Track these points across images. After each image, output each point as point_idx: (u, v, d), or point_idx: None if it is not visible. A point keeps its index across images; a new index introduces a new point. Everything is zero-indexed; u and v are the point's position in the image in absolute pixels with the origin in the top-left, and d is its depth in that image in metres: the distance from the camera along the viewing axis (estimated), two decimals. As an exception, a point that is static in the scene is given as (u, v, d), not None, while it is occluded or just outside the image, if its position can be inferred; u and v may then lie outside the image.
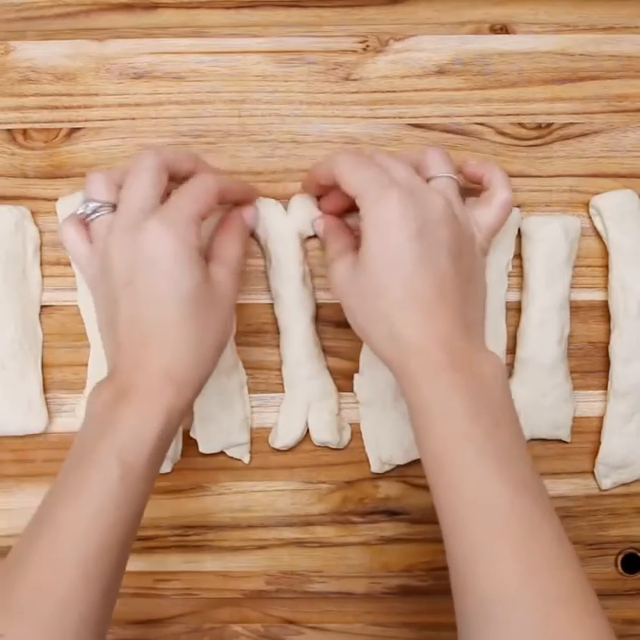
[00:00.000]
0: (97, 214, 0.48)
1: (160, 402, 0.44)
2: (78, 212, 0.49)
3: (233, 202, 0.55)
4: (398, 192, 0.46)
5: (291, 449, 0.58)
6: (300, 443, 0.58)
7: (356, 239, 0.49)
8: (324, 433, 0.57)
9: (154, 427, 0.44)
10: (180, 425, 0.47)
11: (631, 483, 0.58)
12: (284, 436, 0.57)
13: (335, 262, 0.49)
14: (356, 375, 0.58)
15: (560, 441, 0.58)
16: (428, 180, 0.49)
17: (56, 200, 0.58)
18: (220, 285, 0.48)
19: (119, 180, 0.49)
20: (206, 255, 0.50)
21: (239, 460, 0.58)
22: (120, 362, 0.46)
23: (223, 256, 0.50)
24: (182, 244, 0.45)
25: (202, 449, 0.57)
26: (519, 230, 0.57)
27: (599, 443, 0.57)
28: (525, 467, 0.44)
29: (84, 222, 0.49)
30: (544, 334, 0.56)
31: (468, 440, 0.43)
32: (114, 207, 0.48)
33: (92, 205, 0.48)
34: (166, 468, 0.57)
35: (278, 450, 0.58)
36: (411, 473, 0.58)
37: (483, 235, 0.50)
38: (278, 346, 0.58)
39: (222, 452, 0.58)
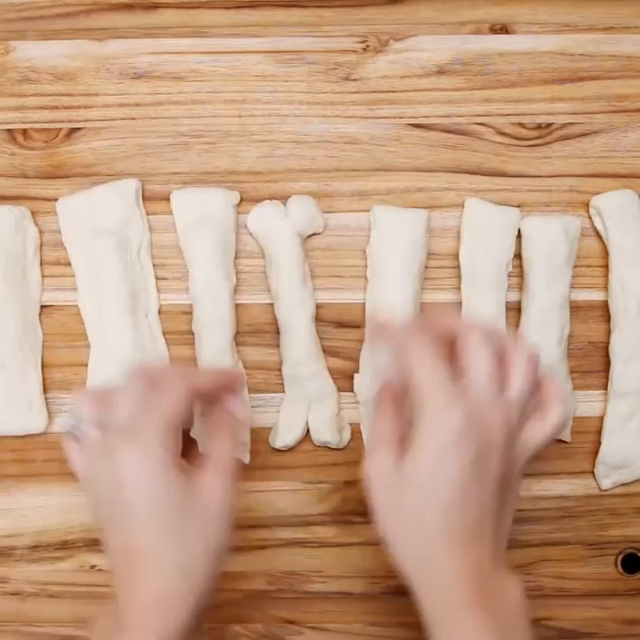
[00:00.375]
0: (79, 432, 0.46)
1: (152, 631, 0.42)
2: (65, 429, 0.47)
3: (218, 393, 0.50)
4: (462, 413, 0.42)
5: (291, 449, 0.58)
6: (300, 443, 0.58)
7: (406, 423, 0.45)
8: (324, 433, 0.57)
9: None
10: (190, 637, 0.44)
11: (631, 483, 0.58)
12: (284, 436, 0.57)
13: (376, 453, 0.45)
14: (356, 375, 0.58)
15: (560, 441, 0.58)
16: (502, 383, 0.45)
17: (56, 200, 0.58)
18: (205, 493, 0.45)
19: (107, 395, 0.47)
20: (197, 461, 0.47)
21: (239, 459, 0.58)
22: (116, 586, 0.45)
23: (217, 464, 0.46)
24: (156, 464, 0.43)
25: (202, 449, 0.57)
26: (519, 230, 0.57)
27: (599, 443, 0.57)
28: None
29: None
30: (544, 334, 0.56)
31: None
32: (100, 423, 0.46)
33: (72, 422, 0.46)
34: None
35: (278, 450, 0.58)
36: (411, 473, 0.58)
37: (528, 453, 0.46)
38: (278, 346, 0.58)
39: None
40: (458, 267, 0.57)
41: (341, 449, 0.58)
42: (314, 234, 0.58)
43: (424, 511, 0.43)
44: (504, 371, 0.45)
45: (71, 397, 0.49)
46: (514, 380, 0.45)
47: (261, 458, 0.58)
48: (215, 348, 0.56)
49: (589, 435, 0.58)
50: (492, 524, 0.44)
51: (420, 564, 0.44)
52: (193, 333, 0.57)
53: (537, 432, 0.46)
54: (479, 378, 0.44)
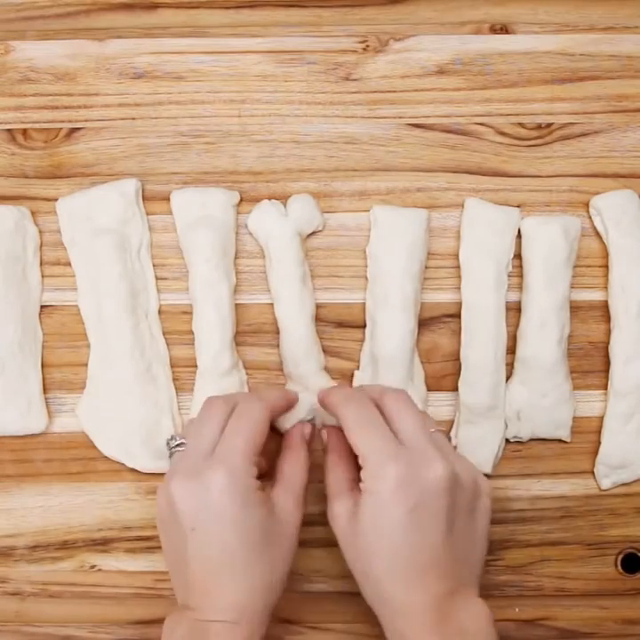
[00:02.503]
0: (179, 449, 0.50)
1: (238, 635, 0.46)
2: (166, 445, 0.52)
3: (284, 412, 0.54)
4: (399, 466, 0.46)
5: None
6: (300, 443, 0.58)
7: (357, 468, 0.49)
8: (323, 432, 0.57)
9: None
10: None
11: (631, 483, 0.58)
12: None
13: (334, 503, 0.49)
14: (356, 372, 0.58)
15: (560, 441, 0.58)
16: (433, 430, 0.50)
17: (56, 200, 0.58)
18: (284, 513, 0.49)
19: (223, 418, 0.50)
20: (271, 475, 0.51)
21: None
22: (191, 599, 0.47)
23: (287, 480, 0.51)
24: (240, 488, 0.46)
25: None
26: (519, 230, 0.57)
27: (599, 443, 0.57)
28: None
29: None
30: (544, 334, 0.56)
31: None
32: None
33: (177, 439, 0.51)
34: (166, 467, 0.57)
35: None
36: (411, 473, 0.58)
37: (485, 480, 0.50)
38: (278, 346, 0.58)
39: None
40: (458, 267, 0.57)
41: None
42: (314, 233, 0.58)
43: (372, 557, 0.47)
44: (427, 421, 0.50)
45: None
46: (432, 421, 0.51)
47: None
48: (215, 347, 0.56)
49: (589, 435, 0.58)
50: (450, 559, 0.47)
51: (378, 601, 0.48)
52: (193, 333, 0.57)
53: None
54: (411, 429, 0.48)
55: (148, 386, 0.57)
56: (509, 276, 0.57)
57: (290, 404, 0.54)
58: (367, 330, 0.58)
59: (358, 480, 0.48)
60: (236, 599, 0.46)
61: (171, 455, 0.51)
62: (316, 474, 0.56)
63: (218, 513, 0.46)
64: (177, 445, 0.50)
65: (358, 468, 0.48)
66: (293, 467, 0.51)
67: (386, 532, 0.46)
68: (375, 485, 0.46)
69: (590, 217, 0.58)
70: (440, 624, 0.45)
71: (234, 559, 0.46)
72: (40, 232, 0.58)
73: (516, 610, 0.58)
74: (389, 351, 0.56)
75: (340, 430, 0.51)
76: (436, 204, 0.59)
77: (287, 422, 0.56)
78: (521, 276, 0.58)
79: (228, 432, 0.48)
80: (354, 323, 0.58)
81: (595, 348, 0.58)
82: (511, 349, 0.57)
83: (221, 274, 0.56)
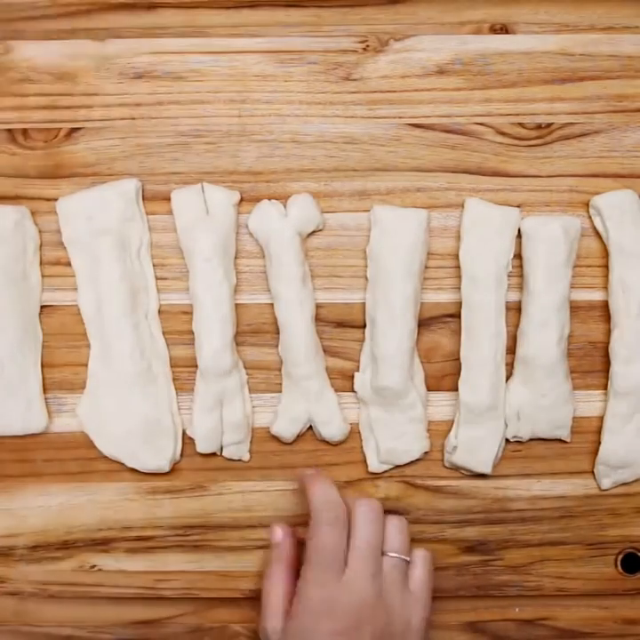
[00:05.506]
0: None
1: None
2: None
3: None
4: (317, 593, 0.49)
5: (291, 448, 0.58)
6: (300, 442, 0.58)
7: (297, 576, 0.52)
8: (324, 428, 0.57)
9: None
10: None
11: (631, 483, 0.58)
12: (281, 434, 0.57)
13: (267, 619, 0.51)
14: (356, 373, 0.58)
15: (560, 441, 0.58)
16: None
17: (56, 200, 0.58)
18: None
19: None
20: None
21: (239, 459, 0.58)
22: None
23: None
24: None
25: (199, 448, 0.57)
26: (519, 230, 0.57)
27: (599, 443, 0.57)
28: None
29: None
30: (544, 334, 0.56)
31: None
32: None
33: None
34: (166, 467, 0.57)
35: (279, 450, 0.58)
36: (410, 473, 0.58)
37: (419, 615, 0.51)
38: (278, 346, 0.58)
39: (222, 452, 0.58)
40: (458, 267, 0.57)
41: (341, 448, 0.58)
42: (314, 233, 0.58)
43: None
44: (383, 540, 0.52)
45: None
46: (388, 541, 0.52)
47: (261, 458, 0.58)
48: (215, 347, 0.56)
49: (589, 435, 0.58)
50: None
51: None
52: (193, 333, 0.57)
53: (415, 578, 0.52)
54: (363, 546, 0.51)
55: (148, 386, 0.57)
56: (509, 275, 0.57)
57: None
58: (367, 330, 0.58)
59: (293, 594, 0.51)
60: None
61: None
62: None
63: None
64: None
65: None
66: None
67: None
68: (303, 606, 0.49)
69: (590, 217, 0.58)
70: None
71: None
72: (40, 232, 0.58)
73: (516, 610, 0.58)
74: (389, 351, 0.56)
75: (293, 536, 0.54)
76: (436, 204, 0.59)
77: (286, 431, 0.57)
78: (521, 275, 0.58)
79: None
80: (354, 323, 0.58)
81: (595, 348, 0.58)
82: (511, 349, 0.57)
83: (222, 273, 0.56)
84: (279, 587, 0.52)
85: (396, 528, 0.53)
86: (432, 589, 0.53)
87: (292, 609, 0.50)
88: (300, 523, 0.58)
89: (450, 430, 0.58)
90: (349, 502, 0.52)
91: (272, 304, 0.58)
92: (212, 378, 0.56)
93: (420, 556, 0.53)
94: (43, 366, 0.58)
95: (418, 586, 0.52)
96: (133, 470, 0.57)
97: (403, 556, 0.52)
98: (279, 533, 0.54)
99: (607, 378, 0.58)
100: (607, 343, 0.57)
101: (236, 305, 0.58)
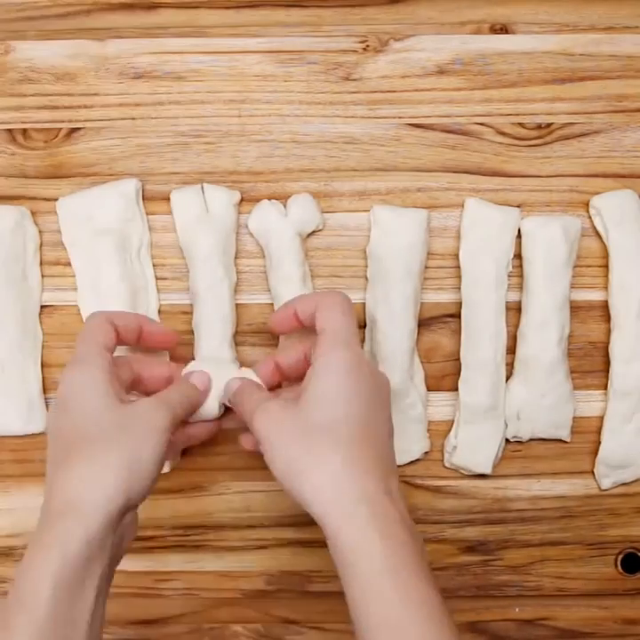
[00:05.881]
0: None
1: (54, 536, 0.42)
2: None
3: (154, 344, 0.54)
4: (356, 349, 0.47)
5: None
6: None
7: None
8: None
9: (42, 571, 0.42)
10: (104, 538, 0.43)
11: (631, 483, 0.58)
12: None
13: (262, 406, 0.47)
14: (356, 375, 0.58)
15: (560, 441, 0.58)
16: None
17: (56, 200, 0.58)
18: (142, 410, 0.46)
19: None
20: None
21: (239, 459, 0.58)
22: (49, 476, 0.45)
23: (159, 395, 0.49)
24: (89, 378, 0.46)
25: None
26: (519, 230, 0.57)
27: (599, 443, 0.57)
28: (438, 602, 0.42)
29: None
30: (544, 334, 0.56)
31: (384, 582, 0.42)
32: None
33: None
34: (166, 467, 0.57)
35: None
36: (410, 473, 0.58)
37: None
38: (278, 346, 0.58)
39: (222, 452, 0.58)
40: (458, 267, 0.57)
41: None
42: (314, 233, 0.58)
43: (333, 428, 0.44)
44: None
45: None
46: None
47: (261, 458, 0.58)
48: (214, 345, 0.56)
49: (589, 435, 0.58)
50: (389, 447, 0.46)
51: (335, 492, 0.43)
52: (193, 333, 0.57)
53: None
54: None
55: (148, 386, 0.57)
56: (509, 275, 0.57)
57: (164, 337, 0.54)
58: (367, 330, 0.58)
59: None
60: (65, 495, 0.43)
61: None
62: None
63: (66, 401, 0.46)
64: None
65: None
66: (173, 391, 0.49)
67: (347, 400, 0.45)
68: (339, 356, 0.46)
69: (590, 217, 0.58)
70: (394, 505, 0.44)
71: (83, 439, 0.44)
72: (40, 232, 0.58)
73: (516, 610, 0.58)
74: (389, 351, 0.56)
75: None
76: (436, 204, 0.59)
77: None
78: (521, 275, 0.58)
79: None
80: (354, 323, 0.58)
81: (595, 348, 0.58)
82: (511, 349, 0.57)
83: (222, 272, 0.56)
84: (254, 390, 0.50)
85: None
86: None
87: (312, 379, 0.46)
88: (300, 523, 0.58)
89: (450, 430, 0.58)
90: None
91: (272, 304, 0.58)
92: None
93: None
94: (43, 366, 0.58)
95: None
96: (133, 470, 0.57)
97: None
98: (236, 380, 0.51)
99: (607, 378, 0.58)
100: (607, 343, 0.57)
101: (236, 305, 0.58)
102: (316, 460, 0.44)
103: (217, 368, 0.53)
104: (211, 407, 0.52)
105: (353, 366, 0.46)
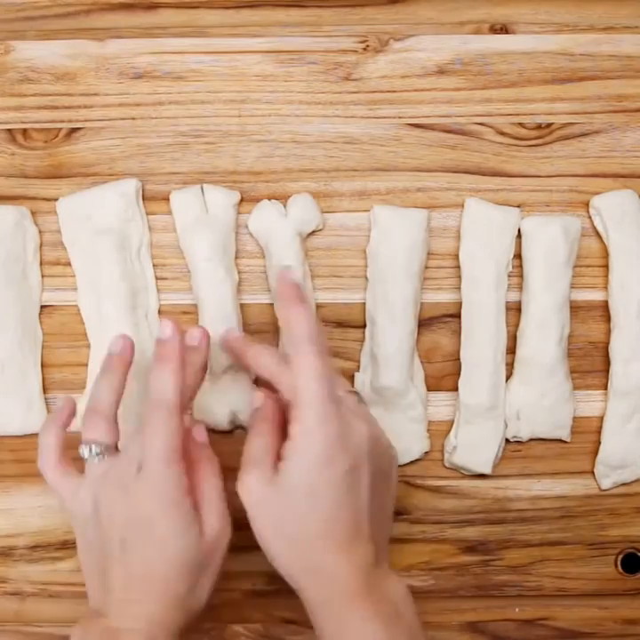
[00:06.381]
0: (99, 457, 0.48)
1: None
2: (80, 454, 0.49)
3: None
4: (336, 427, 0.45)
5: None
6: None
7: (280, 440, 0.47)
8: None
9: None
10: None
11: (631, 483, 0.58)
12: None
13: (251, 470, 0.47)
14: (356, 373, 0.58)
15: (560, 441, 0.58)
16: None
17: (56, 200, 0.58)
18: (213, 540, 0.47)
19: (114, 409, 0.49)
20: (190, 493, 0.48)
21: (239, 459, 0.58)
22: (108, 604, 0.47)
23: (208, 498, 0.48)
24: (169, 502, 0.45)
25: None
26: (519, 230, 0.57)
27: (599, 443, 0.57)
28: None
29: (67, 449, 0.49)
30: (544, 334, 0.56)
31: None
32: (113, 447, 0.49)
33: (94, 449, 0.48)
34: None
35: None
36: (410, 473, 0.58)
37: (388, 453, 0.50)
38: (278, 346, 0.58)
39: (222, 452, 0.58)
40: (458, 267, 0.57)
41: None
42: (314, 233, 0.58)
43: (302, 520, 0.45)
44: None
45: (84, 419, 0.50)
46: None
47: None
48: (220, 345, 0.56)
49: (589, 435, 0.58)
50: (370, 527, 0.47)
51: (304, 568, 0.46)
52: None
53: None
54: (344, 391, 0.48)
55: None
56: (509, 275, 0.57)
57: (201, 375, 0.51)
58: (367, 330, 0.58)
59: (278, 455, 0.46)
60: (151, 612, 0.46)
61: (86, 458, 0.49)
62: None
63: (147, 530, 0.45)
64: (97, 454, 0.48)
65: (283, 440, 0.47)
66: (208, 480, 0.49)
67: (321, 495, 0.45)
68: (311, 444, 0.45)
69: (590, 217, 0.58)
70: (368, 591, 0.45)
71: (155, 574, 0.46)
72: (40, 232, 0.58)
73: (516, 610, 0.58)
74: (389, 351, 0.56)
75: (275, 401, 0.49)
76: (436, 204, 0.59)
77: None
78: (521, 275, 0.58)
79: (145, 449, 0.46)
80: (354, 323, 0.58)
81: (595, 348, 0.58)
82: (511, 349, 0.57)
83: (223, 272, 0.56)
84: (268, 439, 0.48)
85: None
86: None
87: (285, 461, 0.46)
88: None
89: (450, 430, 0.58)
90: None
91: (272, 304, 0.58)
92: (217, 375, 0.56)
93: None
94: (43, 366, 0.58)
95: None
96: (133, 470, 0.57)
97: (352, 390, 0.50)
98: (260, 396, 0.50)
99: (607, 378, 0.58)
100: (607, 343, 0.57)
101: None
102: (293, 552, 0.46)
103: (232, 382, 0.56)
104: (221, 417, 0.54)
105: (328, 453, 0.45)
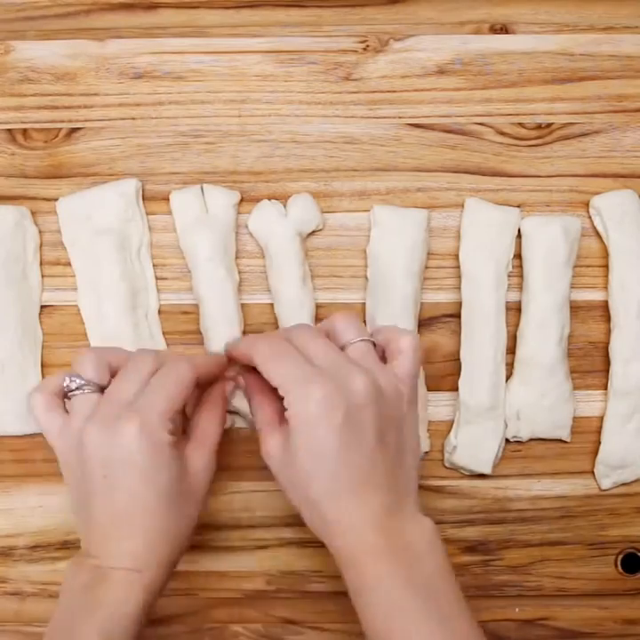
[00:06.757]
0: (80, 391, 0.49)
1: (138, 583, 0.46)
2: (63, 385, 0.49)
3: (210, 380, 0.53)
4: (320, 386, 0.45)
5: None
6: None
7: (281, 401, 0.48)
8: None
9: (133, 608, 0.46)
10: (157, 599, 0.49)
11: (631, 483, 0.58)
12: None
13: (266, 438, 0.49)
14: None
15: (560, 441, 0.58)
16: (343, 347, 0.49)
17: (56, 200, 0.58)
18: (195, 470, 0.49)
19: (113, 361, 0.50)
20: (186, 430, 0.51)
21: (239, 459, 0.58)
22: (94, 543, 0.48)
23: (201, 436, 0.51)
24: (153, 441, 0.46)
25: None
26: (519, 230, 0.57)
27: (599, 443, 0.57)
28: (465, 622, 0.46)
29: (63, 394, 0.50)
30: (544, 334, 0.56)
31: (408, 613, 0.45)
32: (99, 388, 0.49)
33: (77, 382, 0.49)
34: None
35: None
36: (411, 473, 0.58)
37: (407, 386, 0.49)
38: (278, 346, 0.58)
39: (222, 452, 0.58)
40: (458, 267, 0.57)
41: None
42: (314, 233, 0.58)
43: (312, 479, 0.46)
44: (336, 340, 0.49)
45: (73, 356, 0.50)
46: (343, 333, 0.49)
47: (261, 458, 0.58)
48: (222, 346, 0.56)
49: (589, 435, 0.58)
50: (385, 472, 0.47)
51: (322, 524, 0.47)
52: (193, 333, 0.57)
53: (402, 364, 0.49)
54: (323, 354, 0.48)
55: (148, 386, 0.57)
56: (509, 275, 0.57)
57: (220, 369, 0.53)
58: (367, 330, 0.58)
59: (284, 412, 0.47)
60: (137, 548, 0.47)
61: (68, 396, 0.50)
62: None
63: (128, 462, 0.46)
64: (77, 388, 0.49)
65: (282, 400, 0.47)
66: (209, 423, 0.51)
67: (319, 454, 0.46)
68: (300, 410, 0.46)
69: (590, 217, 0.58)
70: (385, 539, 0.46)
71: (138, 509, 0.47)
72: (40, 232, 0.58)
73: (516, 610, 0.58)
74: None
75: (256, 371, 0.50)
76: (436, 204, 0.59)
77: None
78: (521, 275, 0.58)
79: (149, 387, 0.48)
80: (354, 323, 0.58)
81: (595, 348, 0.58)
82: (511, 349, 0.57)
83: (224, 272, 0.56)
84: (265, 407, 0.50)
85: (341, 321, 0.50)
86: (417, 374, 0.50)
87: (289, 416, 0.47)
88: (300, 523, 0.58)
89: (450, 430, 0.58)
90: (283, 333, 0.50)
91: (272, 304, 0.58)
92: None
93: (406, 342, 0.49)
94: (43, 366, 0.58)
95: (401, 371, 0.49)
96: (133, 470, 0.57)
97: (360, 339, 0.49)
98: (240, 378, 0.53)
99: (607, 378, 0.58)
100: (607, 343, 0.57)
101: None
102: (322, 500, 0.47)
103: None
104: None
105: (318, 412, 0.45)
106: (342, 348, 0.49)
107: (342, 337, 0.49)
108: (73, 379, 0.49)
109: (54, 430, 0.49)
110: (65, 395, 0.50)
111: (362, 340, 0.49)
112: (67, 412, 0.50)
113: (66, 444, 0.49)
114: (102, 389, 0.49)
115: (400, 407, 0.48)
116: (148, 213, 0.58)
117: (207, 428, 0.51)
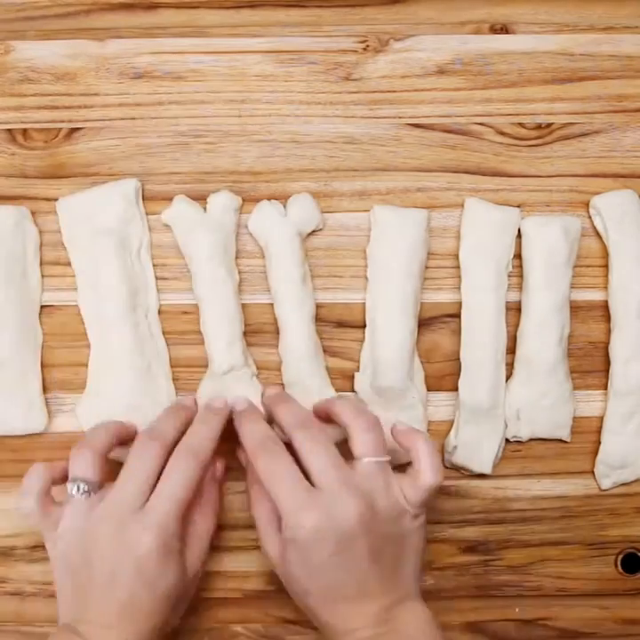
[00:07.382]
0: (85, 496, 0.50)
1: None
2: (68, 492, 0.50)
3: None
4: (311, 516, 0.47)
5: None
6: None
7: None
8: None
9: None
10: None
11: (631, 483, 0.58)
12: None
13: (262, 536, 0.52)
14: (356, 373, 0.58)
15: (560, 441, 0.58)
16: (355, 457, 0.50)
17: (56, 200, 0.58)
18: (194, 577, 0.51)
19: (105, 450, 0.52)
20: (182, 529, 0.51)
21: (238, 459, 0.58)
22: (83, 623, 0.48)
23: (200, 538, 0.52)
24: (167, 555, 0.48)
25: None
26: (519, 230, 0.57)
27: (599, 443, 0.57)
28: None
29: (49, 488, 0.51)
30: (544, 334, 0.56)
31: None
32: (99, 485, 0.51)
33: (82, 487, 0.50)
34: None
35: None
36: (411, 473, 0.58)
37: (413, 507, 0.50)
38: (278, 346, 0.58)
39: (221, 452, 0.58)
40: (458, 267, 0.57)
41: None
42: (314, 233, 0.58)
43: (305, 593, 0.49)
44: (352, 446, 0.50)
45: (72, 452, 0.52)
46: (359, 446, 0.50)
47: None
48: (222, 346, 0.56)
49: (589, 435, 0.58)
50: (383, 581, 0.48)
51: (320, 623, 0.50)
52: (193, 333, 0.57)
53: (413, 492, 0.50)
54: (323, 468, 0.49)
55: (148, 386, 0.57)
56: (509, 275, 0.57)
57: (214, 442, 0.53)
58: (367, 330, 0.58)
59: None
60: (127, 638, 0.48)
61: (68, 497, 0.51)
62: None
63: (137, 569, 0.48)
64: (79, 491, 0.50)
65: None
66: (205, 518, 0.53)
67: (313, 574, 0.48)
68: (294, 536, 0.48)
69: (590, 217, 0.58)
70: (379, 631, 0.47)
71: (135, 609, 0.48)
72: (40, 232, 0.58)
73: (516, 610, 0.58)
74: (389, 351, 0.56)
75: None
76: (436, 204, 0.59)
77: None
78: (521, 275, 0.58)
79: (160, 492, 0.49)
80: (354, 323, 0.58)
81: (595, 348, 0.58)
82: (511, 349, 0.57)
83: (224, 272, 0.56)
84: (265, 503, 0.52)
85: (362, 430, 0.50)
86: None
87: (283, 538, 0.49)
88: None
89: (450, 430, 0.58)
90: (289, 431, 0.51)
91: (272, 304, 0.58)
92: (222, 376, 0.56)
93: (422, 450, 0.50)
94: (43, 366, 0.58)
95: (420, 482, 0.49)
96: (133, 470, 0.57)
97: (377, 459, 0.50)
98: (248, 463, 0.53)
99: (607, 378, 0.58)
100: (607, 343, 0.57)
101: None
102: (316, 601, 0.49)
103: (234, 382, 0.56)
104: None
105: (311, 538, 0.47)
106: (354, 457, 0.50)
107: (357, 448, 0.50)
108: (78, 485, 0.50)
109: (51, 527, 0.51)
110: (55, 482, 0.51)
111: (376, 461, 0.50)
112: (56, 502, 0.51)
113: (64, 540, 0.50)
114: (101, 484, 0.51)
115: (401, 525, 0.50)
116: (147, 213, 0.58)
117: (203, 524, 0.53)
